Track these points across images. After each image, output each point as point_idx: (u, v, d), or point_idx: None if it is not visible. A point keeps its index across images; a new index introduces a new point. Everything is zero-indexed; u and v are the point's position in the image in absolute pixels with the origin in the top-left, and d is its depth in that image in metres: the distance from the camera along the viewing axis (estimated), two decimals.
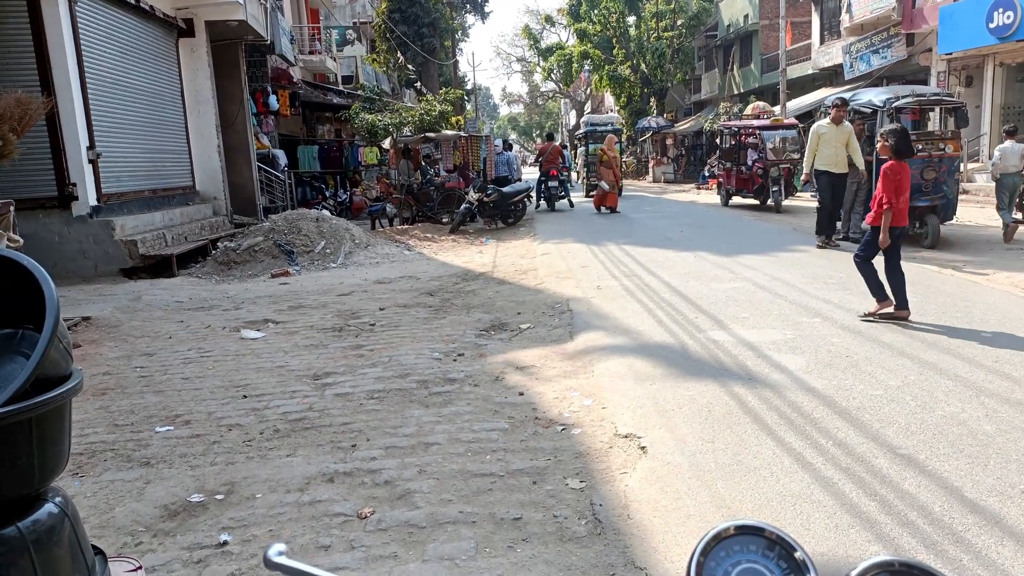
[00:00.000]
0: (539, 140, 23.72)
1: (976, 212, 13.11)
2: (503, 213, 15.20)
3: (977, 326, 5.56)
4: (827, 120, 9.88)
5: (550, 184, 18.44)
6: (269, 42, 15.59)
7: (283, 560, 0.86)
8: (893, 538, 2.71)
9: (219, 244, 11.22)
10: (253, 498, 3.25)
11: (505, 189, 15.47)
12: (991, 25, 16.02)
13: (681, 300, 7.04)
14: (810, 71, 25.87)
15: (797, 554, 0.74)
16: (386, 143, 19.94)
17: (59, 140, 9.13)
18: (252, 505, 3.18)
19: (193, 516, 3.11)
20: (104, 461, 3.74)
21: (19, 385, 0.93)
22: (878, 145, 5.95)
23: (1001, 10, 15.73)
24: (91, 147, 9.51)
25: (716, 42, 34.04)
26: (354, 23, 28.11)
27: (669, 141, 35.37)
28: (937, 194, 9.62)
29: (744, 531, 0.76)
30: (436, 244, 13.02)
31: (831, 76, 24.77)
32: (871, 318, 5.80)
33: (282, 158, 17.66)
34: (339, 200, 19.20)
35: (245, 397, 4.69)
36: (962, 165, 11.26)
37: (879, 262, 5.82)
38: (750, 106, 24.65)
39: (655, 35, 33.21)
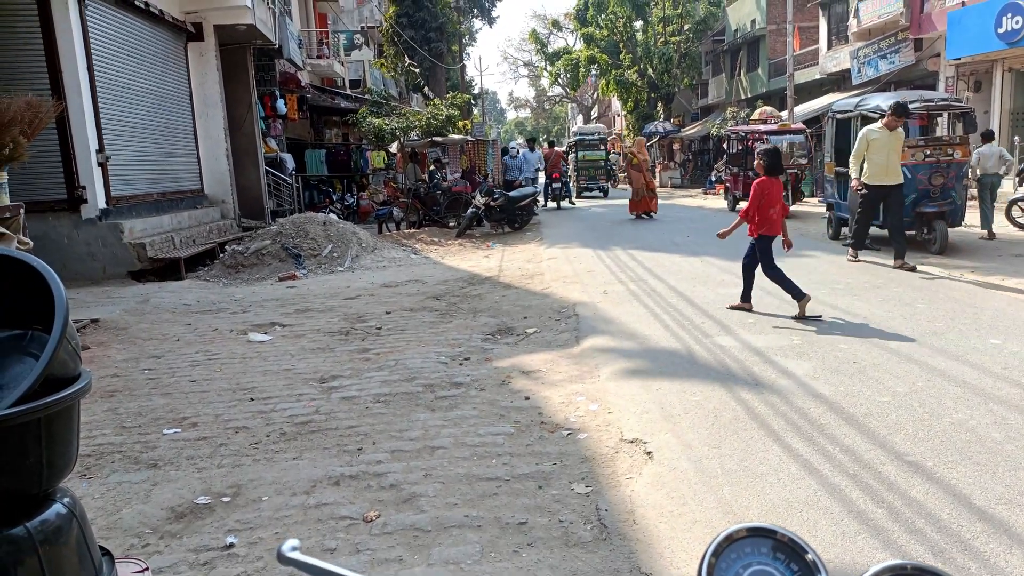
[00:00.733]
0: (545, 146, 23.94)
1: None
2: (510, 217, 15.21)
3: (986, 332, 5.53)
4: (879, 124, 8.71)
5: (554, 186, 21.05)
6: (277, 46, 15.67)
7: (297, 556, 0.86)
8: (900, 545, 2.70)
9: (227, 247, 11.27)
10: (259, 500, 3.26)
11: (512, 193, 15.50)
12: (1000, 30, 15.95)
13: (687, 305, 7.03)
14: (817, 76, 25.81)
15: (808, 556, 0.74)
16: (393, 147, 20.00)
17: (69, 143, 9.19)
18: (258, 507, 3.19)
19: (200, 518, 3.12)
20: (112, 463, 3.76)
21: (28, 386, 0.94)
22: (755, 163, 6.77)
23: (1010, 15, 15.67)
24: (100, 150, 9.57)
25: (723, 47, 34.03)
26: (362, 27, 28.22)
27: (676, 146, 35.35)
28: (945, 200, 9.58)
29: (756, 533, 0.76)
30: (443, 248, 13.04)
31: (839, 81, 24.71)
32: (799, 319, 6.24)
33: (290, 162, 17.73)
34: (346, 204, 19.25)
35: (252, 400, 4.70)
36: (970, 171, 11.23)
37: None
38: (757, 111, 24.60)
39: (662, 40, 33.25)
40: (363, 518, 3.05)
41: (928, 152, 9.75)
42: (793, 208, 16.02)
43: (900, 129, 8.70)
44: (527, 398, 4.56)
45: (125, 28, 10.73)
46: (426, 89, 28.09)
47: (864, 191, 8.73)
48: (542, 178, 21.77)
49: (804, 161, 17.14)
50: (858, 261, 9.07)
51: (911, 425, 3.80)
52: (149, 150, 11.34)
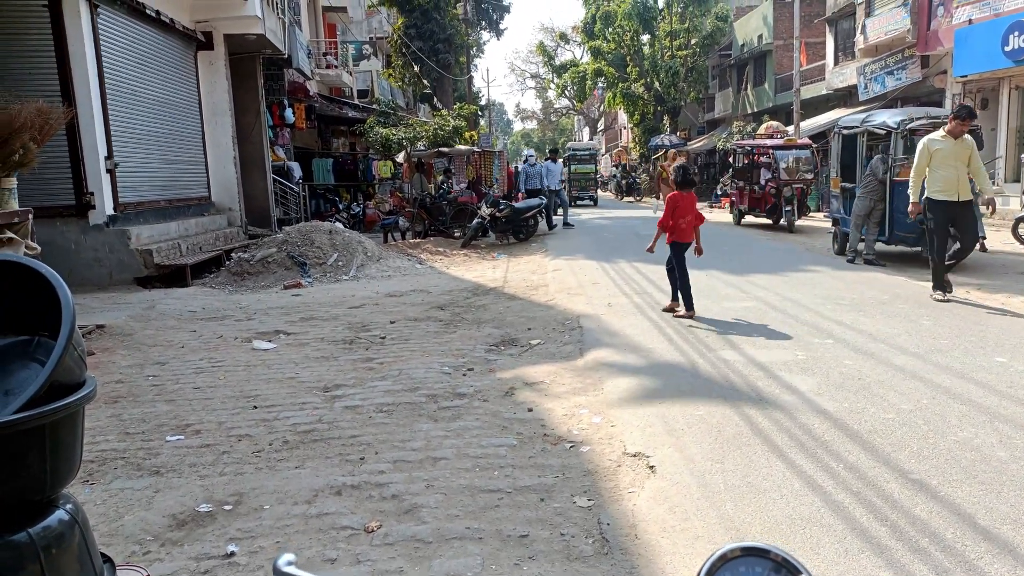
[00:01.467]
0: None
1: (991, 235, 13.01)
2: (515, 228, 15.24)
3: (991, 350, 5.50)
4: (941, 132, 7.52)
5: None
6: (287, 56, 15.79)
7: (292, 570, 0.86)
8: (904, 564, 2.68)
9: (233, 255, 11.31)
10: (261, 509, 3.25)
11: (517, 205, 15.53)
12: (1007, 48, 15.97)
13: (692, 319, 7.01)
14: (824, 91, 25.86)
15: None
16: (400, 157, 20.07)
17: (78, 150, 9.26)
18: (260, 516, 3.19)
19: (201, 526, 3.12)
20: (115, 469, 3.76)
21: (34, 392, 0.94)
22: (670, 179, 7.65)
23: (1017, 33, 15.69)
24: (109, 157, 9.64)
25: (730, 61, 34.12)
26: (371, 38, 28.43)
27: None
28: None
29: (750, 552, 0.76)
30: (448, 258, 13.06)
31: (845, 97, 24.75)
32: (668, 311, 7.25)
33: (297, 170, 17.82)
34: (352, 213, 19.32)
35: (255, 408, 4.70)
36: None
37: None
38: (763, 125, 24.59)
39: (669, 54, 33.37)
40: (364, 528, 3.04)
41: None
42: (799, 223, 16.04)
43: (968, 136, 7.47)
44: (530, 410, 4.56)
45: (136, 36, 10.82)
46: (434, 100, 28.24)
47: (928, 215, 7.50)
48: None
49: (810, 176, 17.13)
50: (948, 300, 7.38)
51: (915, 443, 3.78)
52: (157, 157, 11.41)
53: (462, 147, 19.45)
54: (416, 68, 25.94)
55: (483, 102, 44.62)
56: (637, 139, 38.71)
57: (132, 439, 4.19)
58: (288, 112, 17.28)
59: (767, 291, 8.30)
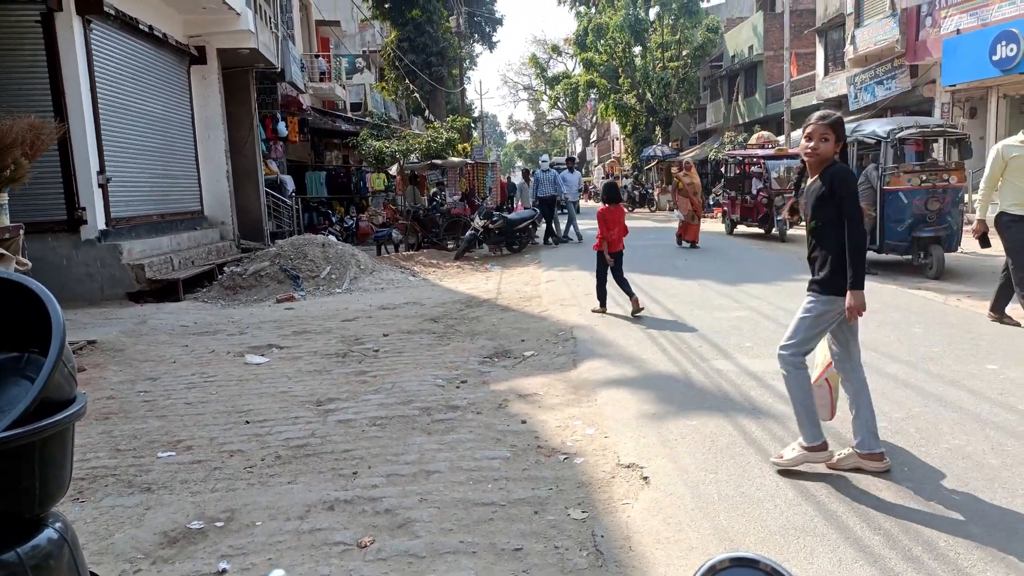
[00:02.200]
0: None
1: (972, 242, 13.09)
2: (508, 240, 15.25)
3: (983, 358, 5.53)
4: (1019, 138, 6.60)
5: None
6: (280, 69, 15.82)
7: None
8: (898, 573, 2.68)
9: (225, 269, 11.28)
10: (253, 525, 3.23)
11: (510, 216, 15.55)
12: (994, 58, 16.13)
13: (685, 329, 7.03)
14: (814, 101, 26.01)
15: None
16: (393, 170, 20.10)
17: (70, 165, 9.23)
18: (252, 533, 3.17)
19: (192, 543, 3.10)
20: (105, 486, 3.73)
21: (23, 409, 0.94)
22: (600, 197, 8.42)
23: (1004, 43, 15.86)
24: (101, 172, 9.61)
25: (721, 72, 34.35)
26: (364, 51, 28.51)
27: (674, 169, 35.53)
28: (941, 224, 9.64)
29: (739, 563, 0.77)
30: (441, 270, 13.06)
31: (835, 107, 24.87)
32: (599, 311, 8.04)
33: (290, 184, 17.82)
34: (345, 226, 19.32)
35: (247, 423, 4.68)
36: (966, 196, 11.30)
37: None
38: (755, 135, 24.82)
39: (660, 65, 33.56)
40: (357, 544, 3.03)
41: (924, 177, 9.82)
42: (791, 232, 16.10)
43: None
44: (524, 422, 4.55)
45: (129, 51, 10.83)
46: (426, 112, 28.34)
47: (1006, 235, 6.55)
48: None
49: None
50: (1006, 323, 6.69)
51: (908, 451, 3.79)
52: (150, 171, 11.39)
53: (455, 159, 19.49)
54: (409, 81, 26.02)
55: (476, 114, 44.80)
56: (630, 150, 38.86)
57: (123, 456, 4.16)
58: (281, 125, 17.29)
59: (760, 300, 8.32)
